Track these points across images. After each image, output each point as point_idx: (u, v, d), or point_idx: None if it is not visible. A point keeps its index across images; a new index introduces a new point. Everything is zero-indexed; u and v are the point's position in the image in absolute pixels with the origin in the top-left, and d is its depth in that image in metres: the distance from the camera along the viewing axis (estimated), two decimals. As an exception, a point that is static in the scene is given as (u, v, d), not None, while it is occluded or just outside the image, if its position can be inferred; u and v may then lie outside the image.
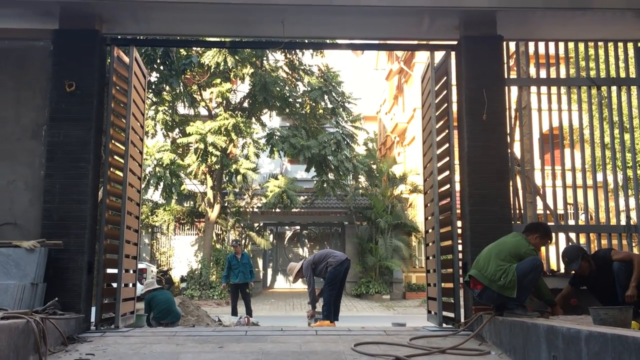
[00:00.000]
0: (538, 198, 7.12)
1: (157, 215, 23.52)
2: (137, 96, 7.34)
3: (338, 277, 8.77)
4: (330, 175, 20.71)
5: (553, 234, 6.30)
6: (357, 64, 30.10)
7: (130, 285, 7.32)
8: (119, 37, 7.20)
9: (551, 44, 7.27)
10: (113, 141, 6.89)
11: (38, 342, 4.43)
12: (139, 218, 7.61)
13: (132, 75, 7.10)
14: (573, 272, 5.83)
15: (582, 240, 6.91)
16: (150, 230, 23.82)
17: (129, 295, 7.20)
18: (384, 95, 32.59)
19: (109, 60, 7.01)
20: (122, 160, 6.99)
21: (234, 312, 13.09)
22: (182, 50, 15.97)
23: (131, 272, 7.27)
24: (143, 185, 7.79)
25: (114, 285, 6.86)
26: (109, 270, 6.77)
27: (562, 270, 6.36)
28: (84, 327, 6.13)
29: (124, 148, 6.99)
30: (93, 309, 6.55)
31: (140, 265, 14.44)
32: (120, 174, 6.99)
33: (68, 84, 6.42)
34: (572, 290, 5.96)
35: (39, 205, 6.30)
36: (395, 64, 28.11)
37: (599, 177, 7.16)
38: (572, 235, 6.92)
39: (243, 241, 23.43)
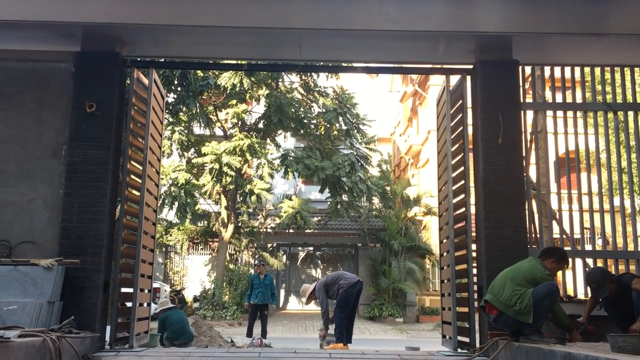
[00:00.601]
0: (554, 222, 7.07)
1: (171, 235, 23.61)
2: (155, 117, 7.44)
3: (350, 299, 8.74)
4: (344, 197, 20.70)
5: (569, 259, 6.24)
6: (372, 86, 30.27)
7: (145, 304, 7.34)
8: (139, 59, 7.33)
9: (567, 68, 7.28)
10: (131, 161, 6.97)
11: (54, 361, 4.46)
12: (155, 237, 7.66)
13: (151, 96, 7.21)
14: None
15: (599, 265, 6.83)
16: (164, 249, 23.91)
17: (144, 314, 7.22)
18: (398, 117, 32.68)
19: (128, 82, 7.12)
20: (139, 180, 7.06)
21: (249, 333, 13.00)
22: (199, 72, 16.19)
23: (146, 291, 7.30)
24: (158, 205, 7.84)
25: (129, 304, 6.89)
26: (124, 289, 6.80)
27: (582, 297, 6.30)
28: (98, 346, 6.15)
29: (141, 168, 7.07)
30: (108, 328, 6.58)
31: (154, 285, 14.51)
32: (137, 193, 7.07)
33: (88, 105, 6.53)
34: (595, 304, 5.91)
35: (57, 223, 6.38)
36: (410, 87, 28.22)
37: (616, 201, 7.10)
38: (589, 260, 6.85)
39: (254, 261, 23.44)
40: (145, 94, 7.25)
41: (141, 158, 7.09)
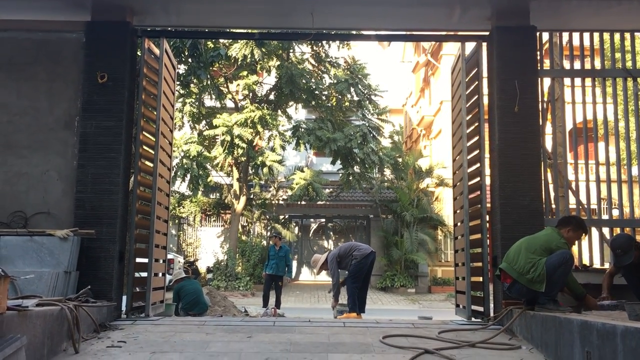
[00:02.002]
0: (570, 192, 6.99)
1: (183, 207, 23.76)
2: (167, 88, 7.40)
3: (363, 270, 8.74)
4: (356, 168, 20.66)
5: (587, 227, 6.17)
6: (384, 57, 29.91)
7: (160, 274, 7.41)
8: (149, 29, 7.26)
9: (585, 35, 7.10)
10: (143, 132, 6.95)
11: (71, 329, 4.52)
12: (169, 208, 7.69)
13: (162, 67, 7.16)
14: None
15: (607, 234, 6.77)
16: (177, 221, 24.08)
17: (159, 284, 7.28)
18: (410, 88, 32.34)
19: (139, 52, 7.06)
20: (152, 151, 7.06)
21: (265, 303, 13.13)
22: (209, 42, 16.06)
23: (161, 261, 7.35)
24: (171, 176, 7.85)
25: (144, 274, 6.95)
26: (139, 260, 6.85)
27: (598, 266, 6.25)
28: (115, 315, 6.23)
29: (154, 139, 7.05)
30: (124, 298, 6.65)
31: (168, 256, 14.66)
32: (151, 164, 7.07)
33: (100, 76, 6.50)
34: (616, 270, 5.83)
35: (71, 194, 6.41)
36: (422, 56, 27.85)
37: (634, 170, 7.00)
38: (606, 230, 6.78)
39: (266, 233, 23.58)
40: (156, 65, 7.19)
41: (154, 129, 7.07)
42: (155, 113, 7.16)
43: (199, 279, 17.54)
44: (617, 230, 6.76)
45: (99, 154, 6.42)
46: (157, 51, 7.31)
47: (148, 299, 6.72)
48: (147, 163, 7.11)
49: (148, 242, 6.91)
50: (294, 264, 26.12)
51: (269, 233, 23.68)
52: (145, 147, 7.04)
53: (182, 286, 9.53)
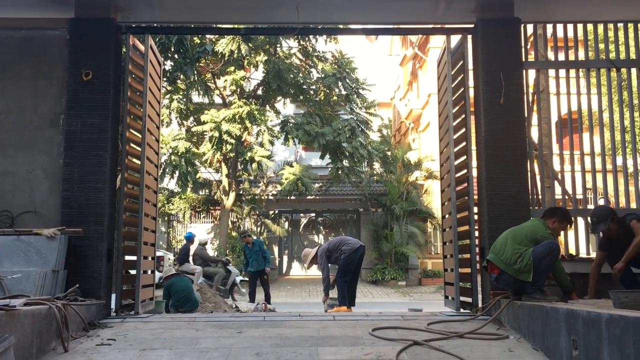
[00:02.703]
0: (556, 183, 7.05)
1: (173, 204, 23.68)
2: (153, 84, 7.36)
3: (352, 264, 8.78)
4: (345, 162, 20.69)
5: (572, 218, 6.23)
6: (371, 50, 29.93)
7: (149, 272, 7.39)
8: (134, 25, 7.21)
9: (569, 26, 7.15)
10: (130, 129, 6.92)
11: (60, 328, 4.50)
12: (157, 205, 7.66)
13: (148, 63, 7.12)
14: (601, 233, 5.78)
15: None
16: (166, 218, 24.00)
17: (148, 281, 7.27)
18: (398, 81, 32.39)
19: (124, 49, 7.02)
20: (139, 149, 7.03)
21: (252, 299, 13.18)
22: (195, 38, 15.98)
23: (149, 259, 7.34)
24: (159, 174, 7.82)
25: (133, 272, 6.93)
26: (128, 257, 6.83)
27: (584, 255, 6.30)
28: (104, 313, 6.21)
29: (139, 136, 7.03)
30: (113, 296, 6.63)
31: (157, 253, 14.73)
32: (138, 162, 7.05)
33: (85, 73, 6.46)
34: (603, 256, 5.88)
35: (58, 193, 6.37)
36: (410, 50, 27.90)
37: (619, 160, 7.07)
38: (591, 219, 6.85)
39: (257, 229, 23.57)
40: (142, 61, 7.16)
41: (140, 126, 7.04)
42: (141, 110, 7.13)
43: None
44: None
45: (85, 152, 6.39)
46: (142, 47, 7.27)
47: (137, 297, 6.71)
48: (135, 160, 7.09)
49: (136, 240, 6.89)
50: (285, 258, 26.21)
51: (259, 229, 23.68)
52: (132, 145, 7.01)
53: (172, 283, 9.47)
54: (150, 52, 7.25)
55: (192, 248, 15.26)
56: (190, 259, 14.75)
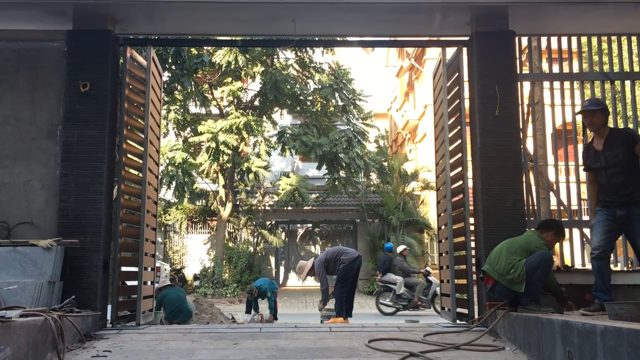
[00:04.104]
0: (552, 194, 7.08)
1: (169, 214, 23.67)
2: (154, 95, 7.41)
3: (350, 274, 8.79)
4: (342, 173, 20.73)
5: (567, 230, 6.26)
6: (368, 61, 30.10)
7: (149, 283, 7.37)
8: (132, 37, 7.25)
9: (564, 39, 7.22)
10: (127, 140, 6.94)
11: (56, 339, 4.49)
12: (156, 216, 7.67)
13: (150, 75, 7.17)
14: (581, 115, 5.36)
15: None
16: (163, 229, 23.98)
17: (148, 292, 7.25)
18: (394, 92, 32.54)
19: (122, 60, 7.06)
20: (136, 159, 7.05)
21: (248, 310, 13.05)
22: (193, 49, 16.06)
23: (149, 269, 7.32)
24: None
25: (129, 283, 6.92)
26: (124, 268, 6.83)
27: (580, 266, 6.30)
28: (100, 324, 6.19)
29: (137, 147, 7.05)
30: (109, 307, 6.62)
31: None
32: (135, 172, 7.07)
33: (82, 84, 6.47)
34: (594, 179, 5.42)
35: (54, 204, 6.37)
36: (406, 61, 28.05)
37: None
38: (587, 230, 6.87)
39: (253, 239, 23.57)
40: (139, 72, 7.20)
41: (137, 137, 7.07)
42: (139, 121, 7.16)
43: (185, 286, 17.46)
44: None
45: (82, 163, 6.39)
46: (140, 59, 7.31)
47: (139, 307, 6.70)
48: (132, 171, 7.10)
49: (133, 251, 6.90)
50: (281, 269, 26.16)
51: (256, 239, 23.66)
52: (129, 156, 7.02)
53: (165, 295, 9.37)
54: (152, 63, 7.28)
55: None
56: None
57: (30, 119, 6.57)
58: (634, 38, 7.21)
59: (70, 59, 6.62)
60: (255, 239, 23.88)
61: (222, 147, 18.36)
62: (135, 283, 7.00)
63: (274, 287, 13.12)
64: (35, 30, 6.86)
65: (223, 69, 18.26)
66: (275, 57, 19.88)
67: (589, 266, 6.37)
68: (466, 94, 7.03)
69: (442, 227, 7.45)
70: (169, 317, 9.18)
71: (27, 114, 6.58)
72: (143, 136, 7.13)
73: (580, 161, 5.70)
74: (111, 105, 6.66)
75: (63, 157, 6.42)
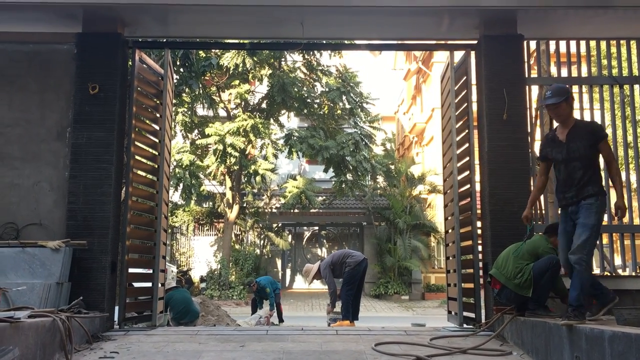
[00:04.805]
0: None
1: (176, 216, 23.73)
2: (168, 98, 7.47)
3: (356, 277, 8.79)
4: (349, 176, 20.73)
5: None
6: (375, 64, 30.05)
7: (159, 284, 7.39)
8: (140, 39, 7.30)
9: (572, 43, 7.20)
10: (136, 143, 6.97)
11: (64, 340, 4.51)
12: (167, 218, 7.70)
13: (167, 78, 7.26)
14: (544, 108, 5.05)
15: (605, 240, 6.83)
16: (169, 230, 24.04)
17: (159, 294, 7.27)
18: (401, 95, 32.51)
19: (130, 63, 7.10)
20: (145, 161, 7.09)
21: (254, 310, 13.06)
22: (201, 52, 16.12)
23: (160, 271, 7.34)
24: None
25: (136, 285, 6.95)
26: (132, 270, 6.86)
27: (597, 270, 6.28)
28: (107, 325, 6.22)
29: (147, 150, 7.10)
30: (116, 309, 6.65)
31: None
32: (143, 174, 7.11)
33: (91, 87, 6.52)
34: (544, 170, 5.10)
35: (63, 205, 6.41)
36: (414, 64, 28.03)
37: (622, 176, 7.07)
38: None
39: (260, 242, 23.58)
40: (148, 75, 7.24)
41: (146, 140, 7.12)
42: (148, 123, 7.21)
43: (192, 288, 17.50)
44: (606, 236, 6.81)
45: (91, 165, 6.43)
46: (150, 61, 7.36)
47: (155, 309, 6.76)
48: (140, 173, 7.13)
49: (141, 252, 6.93)
50: (288, 272, 26.16)
51: (262, 242, 23.68)
52: (137, 158, 7.05)
53: (171, 296, 9.37)
54: (168, 67, 7.36)
55: None
56: None
57: (39, 120, 6.61)
58: (643, 42, 7.17)
59: (79, 61, 6.66)
60: (262, 242, 23.90)
61: (229, 150, 18.40)
62: (142, 285, 7.04)
63: (276, 286, 13.17)
64: (46, 32, 6.92)
65: (231, 72, 18.31)
66: (283, 59, 19.91)
67: (597, 271, 6.34)
68: (474, 97, 7.02)
69: (450, 230, 7.44)
70: (176, 317, 9.20)
71: (36, 116, 6.62)
72: (156, 139, 7.19)
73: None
74: (120, 107, 6.70)
75: (72, 159, 6.46)
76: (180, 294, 9.54)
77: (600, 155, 4.76)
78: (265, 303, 12.85)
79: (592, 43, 7.17)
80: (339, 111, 20.86)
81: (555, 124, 5.12)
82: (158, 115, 7.29)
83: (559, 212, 4.94)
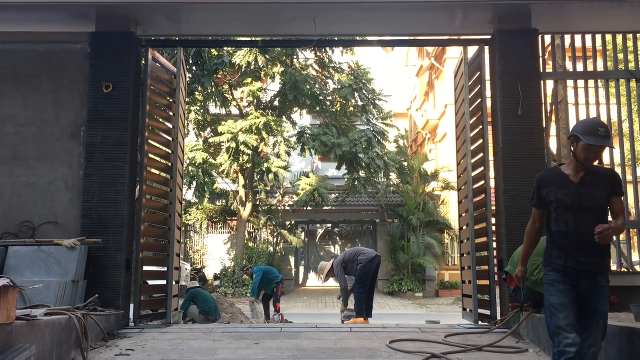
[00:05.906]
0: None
1: (190, 214, 23.82)
2: (181, 97, 7.50)
3: (369, 274, 8.77)
4: (362, 173, 20.66)
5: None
6: (388, 61, 29.99)
7: (174, 282, 7.43)
8: (153, 38, 7.32)
9: (588, 37, 7.11)
10: (149, 141, 7.00)
11: (80, 338, 4.55)
12: (182, 216, 7.75)
13: (180, 76, 7.30)
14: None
15: (622, 237, 6.74)
16: (183, 228, 24.14)
17: (174, 292, 7.31)
18: (414, 92, 32.37)
19: (144, 62, 7.12)
20: (159, 160, 7.12)
21: (267, 316, 13.02)
22: (213, 50, 16.15)
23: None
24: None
25: (151, 282, 6.99)
26: (147, 268, 6.89)
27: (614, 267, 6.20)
28: (123, 323, 6.26)
29: (161, 148, 7.12)
30: (131, 306, 6.69)
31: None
32: (157, 172, 7.14)
33: (105, 86, 6.56)
34: (539, 218, 4.06)
35: (78, 204, 6.46)
36: (426, 60, 27.89)
37: (639, 171, 6.98)
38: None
39: (273, 239, 23.60)
40: (161, 74, 7.27)
41: (160, 138, 7.15)
42: (162, 122, 7.24)
43: (206, 286, 17.64)
44: (623, 233, 6.71)
45: (105, 164, 6.47)
46: (163, 60, 7.38)
47: (170, 306, 6.82)
48: (153, 171, 7.17)
49: (155, 250, 6.96)
50: (301, 269, 26.17)
51: (276, 239, 23.71)
52: (151, 156, 7.08)
53: (198, 292, 10.06)
54: (177, 65, 7.38)
55: None
56: None
57: (54, 120, 6.66)
58: (660, 35, 7.07)
59: (93, 60, 6.70)
60: (275, 239, 23.92)
61: (242, 148, 18.43)
62: (157, 282, 7.08)
63: (274, 275, 12.68)
64: (60, 32, 6.96)
65: (243, 70, 18.33)
66: (295, 57, 19.90)
67: (614, 267, 6.26)
68: (488, 93, 6.96)
69: (464, 227, 7.38)
70: (206, 311, 9.75)
71: (51, 115, 6.67)
72: (169, 138, 7.22)
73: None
74: (133, 106, 6.73)
75: (86, 158, 6.51)
76: (204, 292, 10.24)
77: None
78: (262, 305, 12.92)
79: (608, 37, 7.08)
80: (351, 108, 20.81)
81: (563, 163, 4.31)
82: (171, 113, 7.32)
83: (549, 275, 3.67)
